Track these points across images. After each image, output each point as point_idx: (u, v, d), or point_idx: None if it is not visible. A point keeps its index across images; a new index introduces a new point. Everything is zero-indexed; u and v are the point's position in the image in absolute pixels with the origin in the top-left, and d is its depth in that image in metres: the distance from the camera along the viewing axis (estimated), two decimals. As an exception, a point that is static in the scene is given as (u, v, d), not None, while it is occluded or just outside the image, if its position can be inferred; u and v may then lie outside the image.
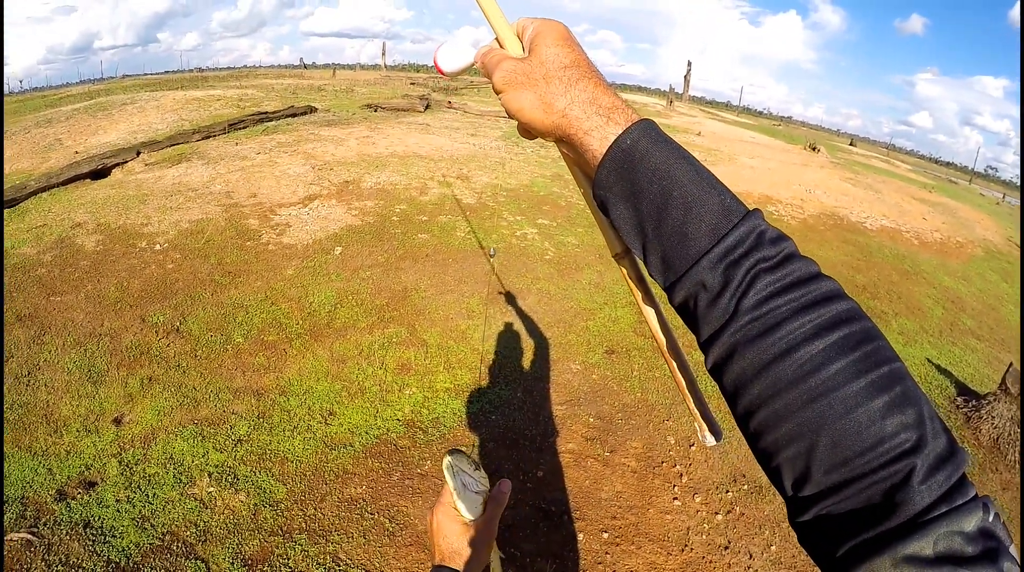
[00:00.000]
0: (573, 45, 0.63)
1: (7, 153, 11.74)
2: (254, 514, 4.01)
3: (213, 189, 9.84)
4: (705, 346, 0.59)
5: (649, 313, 0.73)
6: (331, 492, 4.25)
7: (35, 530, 3.88)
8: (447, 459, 1.07)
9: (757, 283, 0.52)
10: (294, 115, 16.61)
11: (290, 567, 3.68)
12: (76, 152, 11.42)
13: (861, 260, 10.69)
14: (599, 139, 0.59)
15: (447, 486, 1.08)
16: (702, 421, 0.72)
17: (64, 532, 3.87)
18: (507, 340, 6.42)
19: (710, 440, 0.73)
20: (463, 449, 1.08)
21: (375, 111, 19.20)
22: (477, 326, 6.57)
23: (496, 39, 0.71)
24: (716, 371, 0.58)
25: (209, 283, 6.93)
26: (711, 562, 4.13)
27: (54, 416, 4.91)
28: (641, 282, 0.73)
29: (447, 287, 7.42)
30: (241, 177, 10.54)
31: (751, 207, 0.58)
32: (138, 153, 11.01)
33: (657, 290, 0.72)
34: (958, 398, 6.47)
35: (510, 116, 0.66)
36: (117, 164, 10.46)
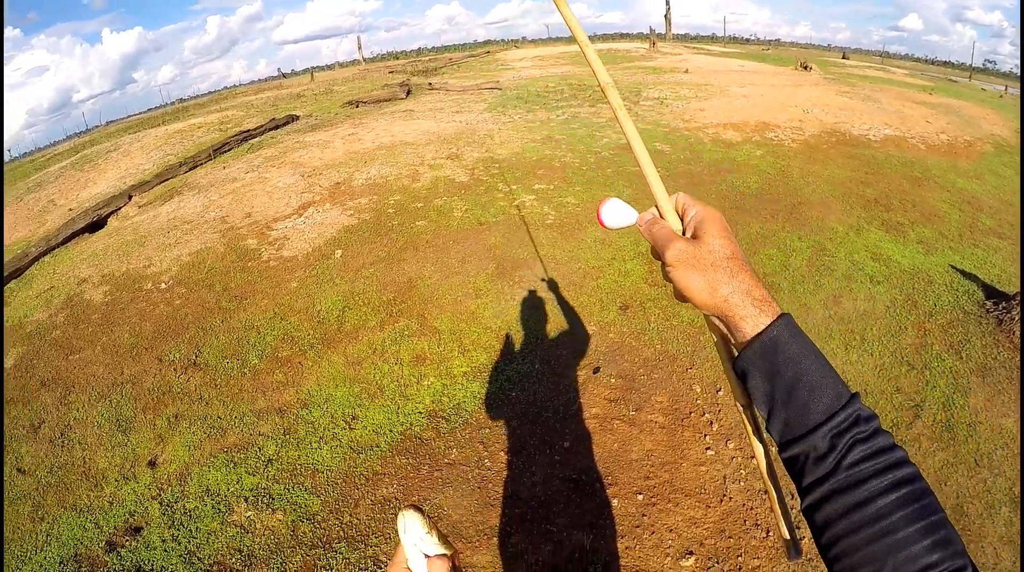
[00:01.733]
0: (731, 236, 0.81)
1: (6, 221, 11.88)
2: (293, 531, 4.02)
3: (208, 217, 9.82)
4: (805, 491, 0.75)
5: (758, 447, 0.92)
6: (363, 496, 4.24)
7: (91, 585, 3.95)
8: (402, 519, 0.99)
9: (853, 450, 0.70)
10: (277, 127, 16.49)
11: (335, 577, 3.69)
12: (70, 210, 11.49)
13: (869, 173, 10.31)
14: (751, 325, 0.75)
15: (401, 547, 1.01)
16: (789, 538, 0.90)
17: (117, 582, 3.93)
18: (519, 313, 6.32)
19: (793, 556, 0.90)
20: (421, 508, 1.00)
21: (357, 107, 19.01)
22: (487, 304, 6.48)
23: (656, 208, 0.90)
24: (810, 509, 0.75)
25: (218, 311, 6.94)
26: (751, 508, 4.01)
27: (92, 471, 4.98)
28: (756, 429, 0.91)
29: (452, 270, 7.33)
30: (233, 200, 10.51)
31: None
32: (130, 197, 11.02)
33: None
34: (987, 302, 6.17)
35: (676, 288, 0.83)
36: (111, 212, 10.48)
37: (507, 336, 5.94)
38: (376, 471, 4.44)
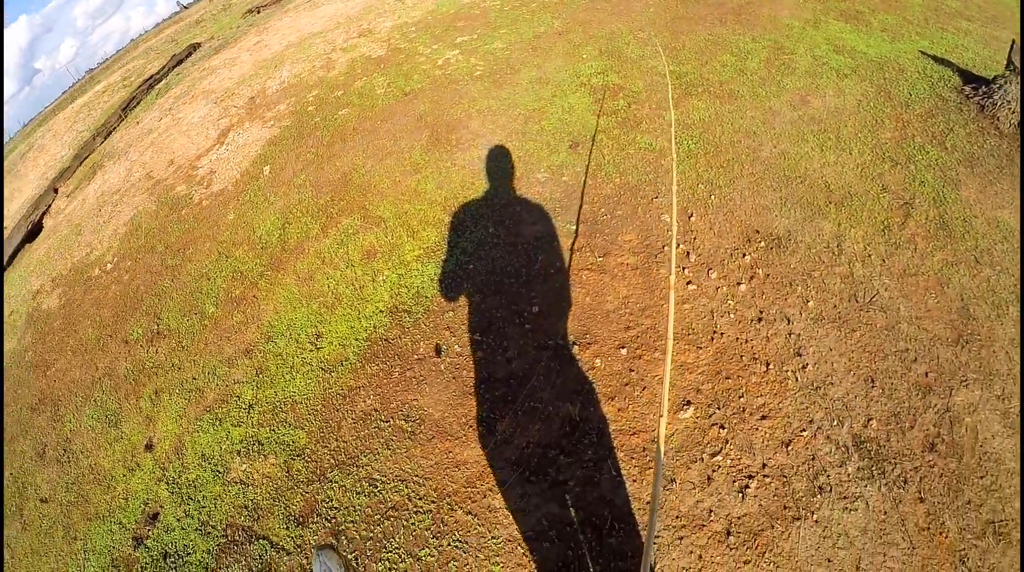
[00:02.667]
0: None
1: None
2: (287, 471, 3.79)
3: (132, 179, 9.09)
4: None
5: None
6: (344, 416, 3.96)
7: (129, 585, 3.86)
8: (317, 560, 0.64)
9: None
10: (180, 63, 15.06)
11: (335, 508, 3.48)
12: (4, 227, 10.81)
13: None
14: None
15: None
16: None
17: (150, 573, 3.82)
18: (462, 178, 5.69)
19: None
20: (334, 546, 0.59)
21: (258, 13, 17.29)
22: (428, 178, 5.85)
23: None
24: None
25: (165, 271, 6.47)
26: (746, 341, 3.58)
27: (101, 475, 4.81)
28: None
29: (385, 151, 6.63)
30: (153, 152, 9.69)
31: None
32: (56, 190, 10.27)
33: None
34: (965, 87, 5.34)
35: None
36: (43, 214, 9.80)
37: (454, 206, 5.37)
38: (351, 386, 4.13)
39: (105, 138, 11.62)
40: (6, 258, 9.04)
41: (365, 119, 7.55)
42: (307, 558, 3.27)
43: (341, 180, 6.39)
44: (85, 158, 11.19)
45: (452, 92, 7.38)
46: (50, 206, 9.97)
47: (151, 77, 14.46)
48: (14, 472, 5.47)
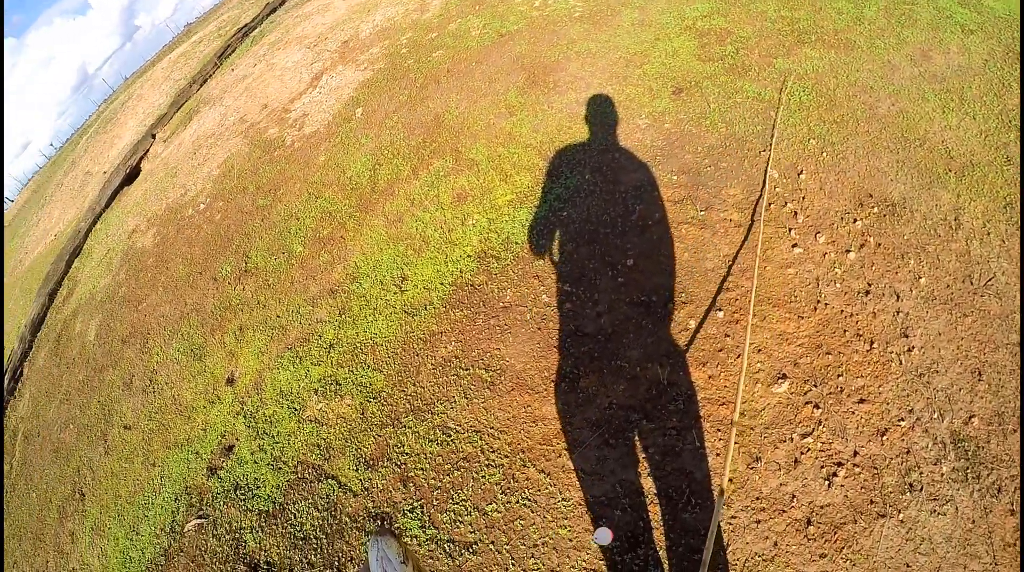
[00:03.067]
0: None
1: (55, 214, 12.36)
2: (362, 413, 3.84)
3: (227, 124, 9.51)
4: None
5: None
6: (424, 361, 3.95)
7: (202, 512, 4.06)
8: (374, 546, 0.87)
9: None
10: (273, 10, 15.58)
11: (406, 453, 3.49)
12: (104, 173, 11.61)
13: None
14: None
15: None
16: None
17: (222, 503, 4.00)
18: (559, 121, 5.53)
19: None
20: (394, 532, 0.55)
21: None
22: (523, 121, 5.73)
23: None
24: None
25: (255, 211, 6.72)
26: (851, 315, 3.30)
27: (182, 405, 5.08)
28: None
29: (479, 93, 6.56)
30: (247, 97, 10.09)
31: None
32: (153, 136, 10.92)
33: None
34: None
35: None
36: (141, 158, 10.45)
37: (550, 151, 5.22)
38: (432, 331, 4.11)
39: (201, 85, 12.22)
40: (104, 203, 9.71)
41: (459, 61, 7.50)
42: (371, 518, 3.29)
43: (434, 122, 6.38)
44: (182, 105, 11.82)
45: (550, 34, 7.20)
46: (148, 151, 10.60)
47: (245, 26, 15.05)
48: (102, 400, 5.88)
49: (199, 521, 4.01)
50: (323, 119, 7.82)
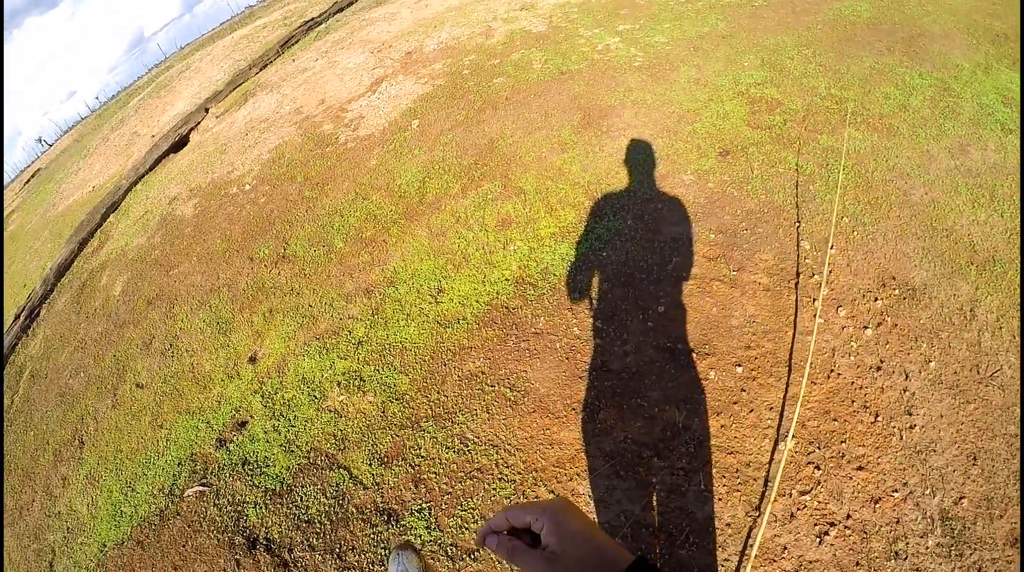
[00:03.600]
0: (581, 530, 0.81)
1: (96, 167, 12.68)
2: (383, 412, 4.00)
3: (282, 112, 9.82)
4: None
5: None
6: (451, 372, 4.13)
7: (205, 481, 4.19)
8: (396, 558, 0.92)
9: None
10: (341, 10, 16.07)
11: (422, 456, 3.65)
12: (152, 136, 11.95)
13: (997, 4, 8.18)
14: None
15: None
16: None
17: (228, 475, 4.14)
18: (608, 165, 5.76)
19: None
20: (415, 546, 0.90)
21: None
22: (574, 158, 5.97)
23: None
24: None
25: (301, 201, 6.96)
26: (861, 388, 3.49)
27: (200, 374, 5.25)
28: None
29: (535, 125, 6.81)
30: (306, 89, 10.42)
31: None
32: (206, 110, 11.25)
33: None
34: None
35: None
36: (191, 129, 10.78)
37: (596, 191, 5.44)
38: (463, 345, 4.29)
39: (261, 69, 12.60)
40: (148, 165, 10.00)
41: (519, 91, 7.78)
42: (385, 553, 3.42)
43: (487, 146, 6.62)
44: (239, 85, 12.18)
45: (609, 79, 7.46)
46: (199, 123, 10.93)
47: (311, 19, 15.52)
48: (118, 355, 6.04)
49: (201, 488, 4.15)
50: (378, 124, 8.09)
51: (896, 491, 3.08)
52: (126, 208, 9.27)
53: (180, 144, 10.51)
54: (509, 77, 8.26)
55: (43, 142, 28.45)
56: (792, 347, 3.79)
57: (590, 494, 3.27)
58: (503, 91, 7.88)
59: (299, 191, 7.19)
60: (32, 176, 18.43)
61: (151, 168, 9.98)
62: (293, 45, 13.82)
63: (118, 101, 25.42)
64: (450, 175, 6.31)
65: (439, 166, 6.54)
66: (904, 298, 3.99)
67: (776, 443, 3.34)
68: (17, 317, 7.96)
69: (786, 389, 3.56)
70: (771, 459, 3.29)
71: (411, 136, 7.43)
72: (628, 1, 10.06)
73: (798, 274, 4.25)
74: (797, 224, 4.67)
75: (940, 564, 2.83)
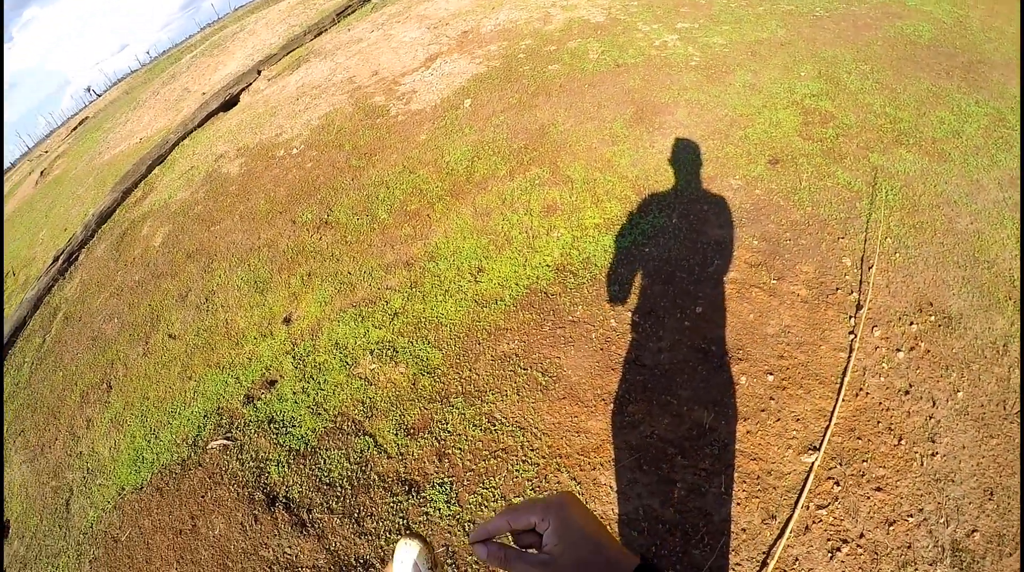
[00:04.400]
0: (587, 530, 0.79)
1: (145, 119, 12.94)
2: (413, 384, 4.04)
3: (335, 80, 9.92)
4: None
5: None
6: (484, 351, 4.15)
7: (229, 435, 4.28)
8: (403, 547, 0.89)
9: None
10: (402, -17, 16.16)
11: (448, 431, 3.68)
12: (203, 94, 12.17)
13: None
14: None
15: None
16: None
17: (253, 431, 4.23)
18: (657, 162, 5.74)
19: None
20: (426, 539, 0.92)
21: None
22: (623, 152, 5.95)
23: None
24: None
25: (347, 170, 7.03)
26: (888, 409, 3.47)
27: (233, 331, 5.35)
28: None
29: (587, 115, 6.79)
30: (359, 60, 10.51)
31: None
32: (258, 72, 11.40)
33: None
34: None
35: None
36: (243, 89, 10.94)
37: (643, 187, 5.42)
38: (499, 326, 4.32)
39: (315, 36, 12.73)
40: (197, 121, 10.18)
41: (573, 79, 7.76)
42: (398, 531, 3.47)
43: (538, 131, 6.62)
44: (292, 50, 12.33)
45: (664, 75, 7.41)
46: (250, 84, 11.09)
47: (372, -9, 15.63)
48: (153, 305, 6.19)
49: (225, 442, 4.24)
50: (431, 100, 8.13)
51: (911, 516, 3.07)
52: (172, 162, 9.45)
53: (230, 103, 10.68)
54: (564, 65, 8.24)
55: (92, 91, 29.10)
56: (824, 362, 3.77)
57: (612, 485, 3.29)
58: (558, 78, 7.86)
59: (346, 159, 7.26)
60: (80, 123, 18.88)
61: (200, 125, 10.16)
62: (349, 15, 13.94)
63: (170, 57, 25.89)
64: (499, 157, 6.33)
65: (488, 147, 6.56)
66: (939, 325, 3.93)
67: (800, 454, 3.32)
68: (56, 259, 8.18)
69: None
70: (793, 469, 3.28)
71: (463, 115, 7.46)
72: (689, 0, 9.97)
73: (837, 289, 4.20)
74: (840, 239, 4.61)
75: (945, 594, 2.82)
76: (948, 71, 6.91)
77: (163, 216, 7.86)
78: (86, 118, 19.16)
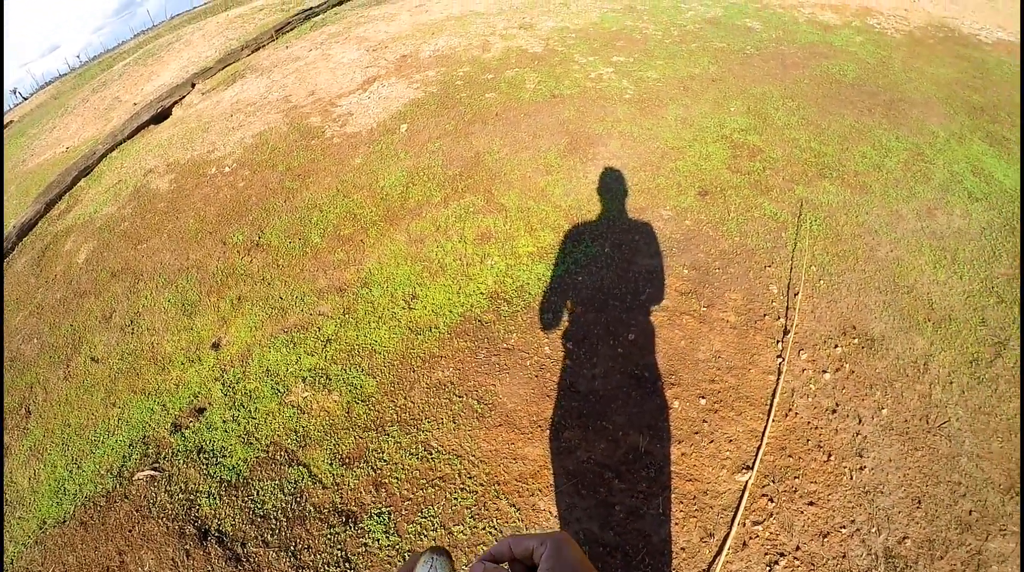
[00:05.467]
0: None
1: (72, 127, 12.35)
2: (348, 412, 4.00)
3: (270, 98, 9.72)
4: None
5: None
6: (419, 379, 4.16)
7: (157, 465, 4.11)
8: (428, 563, 0.86)
9: None
10: (341, 2, 16.00)
11: (384, 460, 3.67)
12: (135, 104, 11.71)
13: (977, 78, 8.71)
14: None
15: None
16: None
17: (181, 461, 4.07)
18: (591, 192, 5.90)
19: None
20: (447, 551, 0.87)
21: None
22: (558, 181, 6.08)
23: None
24: None
25: (280, 191, 6.89)
26: (816, 428, 3.72)
27: (159, 355, 5.15)
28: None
29: (522, 144, 6.90)
30: (296, 79, 10.33)
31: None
32: (193, 85, 11.07)
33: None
34: None
35: None
36: (175, 102, 10.59)
37: (577, 216, 5.57)
38: (433, 353, 4.33)
39: (253, 52, 12.47)
40: (127, 133, 9.79)
41: (509, 109, 7.86)
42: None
43: (474, 159, 6.67)
44: (229, 64, 12.03)
45: (599, 108, 7.61)
46: (184, 97, 10.75)
47: (309, 9, 15.43)
48: (75, 325, 5.90)
49: (152, 472, 4.07)
50: (367, 123, 8.08)
51: (844, 527, 3.27)
52: (99, 174, 9.04)
53: (162, 116, 10.32)
54: (501, 93, 8.33)
55: (18, 94, 27.56)
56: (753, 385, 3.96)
57: (551, 510, 3.35)
58: (494, 107, 7.95)
59: (280, 180, 7.12)
60: (3, 127, 17.83)
61: (129, 136, 9.77)
62: (288, 32, 13.70)
63: (101, 63, 24.76)
64: (434, 183, 6.34)
65: (424, 173, 6.56)
66: (863, 347, 4.20)
67: (734, 474, 3.47)
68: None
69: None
70: (728, 488, 3.42)
71: (398, 140, 7.44)
72: (625, 34, 10.26)
73: (765, 315, 4.42)
74: (767, 267, 4.85)
75: (881, 602, 2.99)
76: (870, 108, 7.36)
77: (88, 231, 7.50)
78: (11, 122, 18.10)
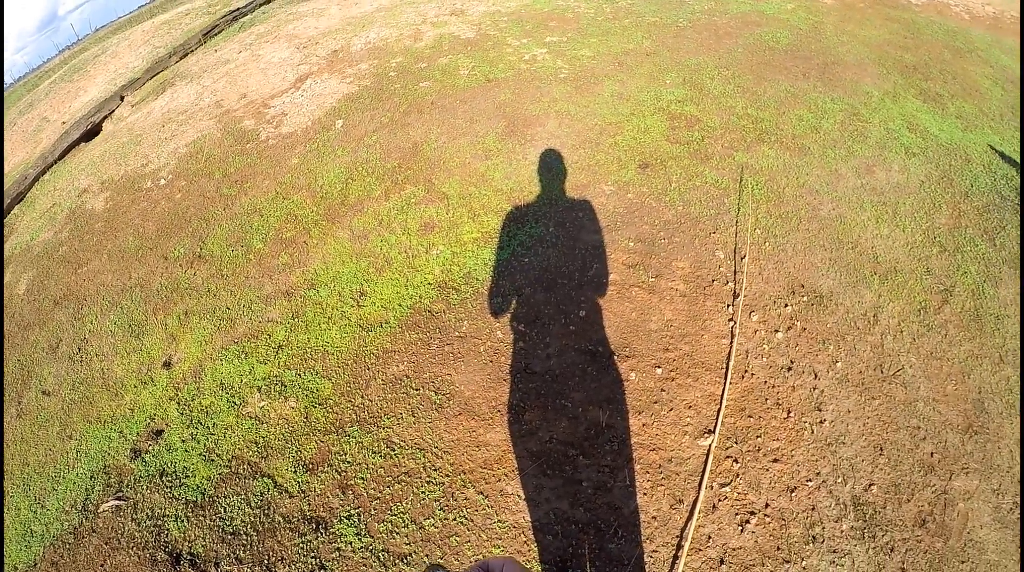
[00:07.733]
0: None
1: None
2: (306, 417, 3.89)
3: (202, 104, 9.34)
4: None
5: None
6: (374, 376, 4.06)
7: (121, 494, 3.94)
8: None
9: None
10: (268, 1, 15.43)
11: (348, 462, 3.58)
12: (63, 123, 11.13)
13: (908, 38, 8.89)
14: None
15: None
16: None
17: (145, 487, 3.92)
18: (531, 173, 5.82)
19: None
20: (445, 569, 0.88)
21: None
22: (497, 165, 5.98)
23: None
24: None
25: (219, 199, 6.64)
26: (773, 386, 3.75)
27: (111, 381, 4.93)
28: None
29: (459, 131, 6.76)
30: (227, 82, 9.94)
31: None
32: (121, 98, 10.59)
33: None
34: None
35: None
36: (105, 117, 10.11)
37: (519, 199, 5.50)
38: (386, 349, 4.23)
39: (181, 58, 11.97)
40: (58, 153, 9.33)
41: (445, 96, 7.70)
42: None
43: (411, 150, 6.51)
44: (157, 73, 11.52)
45: (534, 89, 7.51)
46: (113, 111, 10.27)
47: (236, 9, 14.86)
48: (22, 360, 5.62)
49: (117, 502, 3.90)
50: (301, 122, 7.82)
51: (810, 480, 3.32)
52: (32, 199, 8.59)
53: (92, 133, 9.84)
54: (436, 81, 8.15)
55: (-62, 123, 26.05)
56: (707, 350, 3.95)
57: (519, 494, 3.32)
58: (429, 95, 7.77)
59: (217, 188, 6.85)
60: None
61: (60, 157, 9.30)
62: (216, 35, 13.16)
63: (26, 83, 23.49)
64: (373, 177, 6.17)
65: (362, 168, 6.39)
66: (812, 304, 4.24)
67: (696, 439, 3.47)
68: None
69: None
70: (692, 454, 3.42)
71: (334, 136, 7.22)
72: (557, 14, 10.12)
73: (713, 281, 4.41)
74: (712, 234, 4.84)
75: (855, 545, 3.07)
76: (805, 73, 7.40)
77: (26, 260, 7.12)
78: (-68, 155, 17.10)
